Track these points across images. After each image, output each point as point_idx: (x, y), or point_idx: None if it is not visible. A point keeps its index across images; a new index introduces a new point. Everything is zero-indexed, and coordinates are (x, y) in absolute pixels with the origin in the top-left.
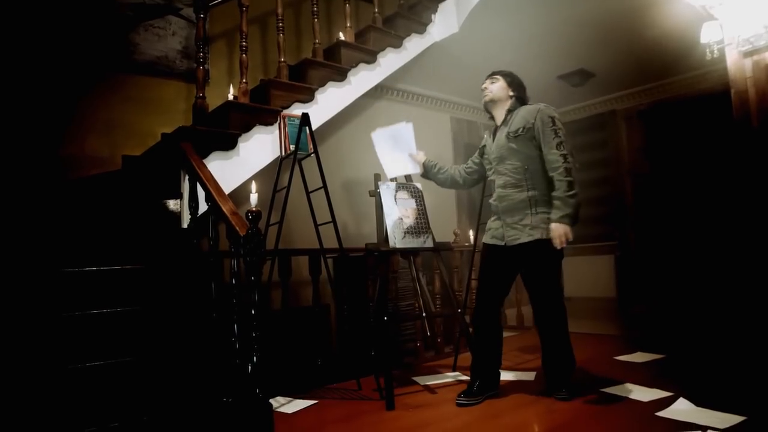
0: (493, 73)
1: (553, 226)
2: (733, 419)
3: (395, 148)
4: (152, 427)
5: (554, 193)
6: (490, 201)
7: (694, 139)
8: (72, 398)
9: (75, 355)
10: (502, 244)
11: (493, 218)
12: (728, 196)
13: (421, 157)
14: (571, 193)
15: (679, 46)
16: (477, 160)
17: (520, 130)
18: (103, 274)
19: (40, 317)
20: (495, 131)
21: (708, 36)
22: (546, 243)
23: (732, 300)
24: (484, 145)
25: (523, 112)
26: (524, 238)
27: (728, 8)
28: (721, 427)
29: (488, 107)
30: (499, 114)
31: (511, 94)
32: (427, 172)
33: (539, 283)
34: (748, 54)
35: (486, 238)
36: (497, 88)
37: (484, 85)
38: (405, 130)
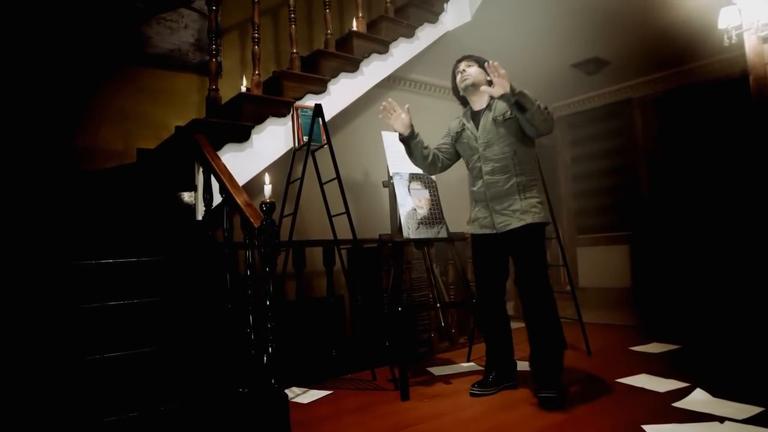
0: (467, 57)
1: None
2: (752, 410)
3: (400, 149)
4: (169, 416)
5: None
6: (473, 189)
7: (710, 127)
8: (91, 388)
9: (94, 346)
10: (493, 232)
11: (477, 207)
12: (746, 184)
13: (407, 119)
14: (538, 104)
15: (695, 32)
16: (448, 146)
17: (507, 113)
18: (120, 266)
19: (59, 309)
20: (474, 117)
21: (726, 21)
22: (536, 227)
23: (749, 289)
24: (461, 131)
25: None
26: (515, 224)
27: None
28: (739, 417)
29: (467, 92)
30: (479, 101)
31: (489, 78)
32: (410, 139)
33: (529, 268)
34: (767, 39)
35: (474, 229)
36: (475, 72)
37: (461, 68)
38: None
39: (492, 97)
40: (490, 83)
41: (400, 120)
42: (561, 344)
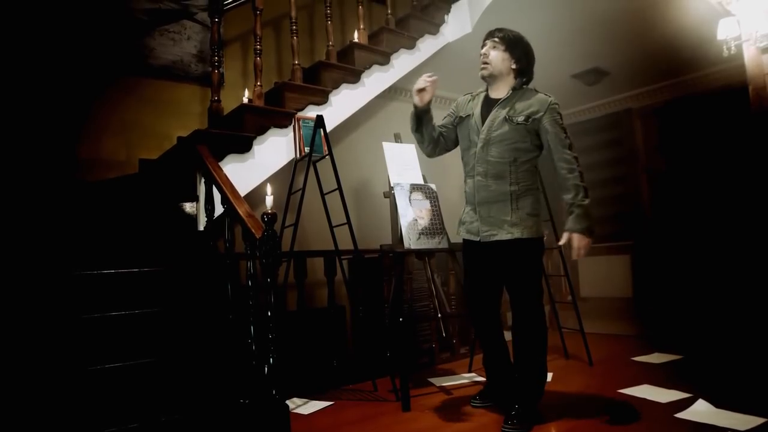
0: (496, 33)
1: (576, 237)
2: (754, 421)
3: (401, 159)
4: (170, 427)
5: (572, 199)
6: (465, 188)
7: (710, 136)
8: (92, 399)
9: (95, 356)
10: (477, 239)
11: (467, 208)
12: (746, 193)
13: (430, 94)
14: (588, 201)
15: (694, 43)
16: (449, 129)
17: (522, 118)
18: (121, 277)
19: (60, 319)
20: (486, 103)
21: (725, 32)
22: (527, 242)
23: (751, 299)
24: (467, 116)
25: (531, 98)
26: (502, 236)
27: (745, 4)
28: (742, 429)
29: (485, 80)
30: (499, 89)
31: (514, 66)
32: (423, 114)
33: (519, 287)
34: (765, 50)
35: (462, 233)
36: (497, 58)
37: (483, 50)
38: (408, 149)
39: (513, 89)
40: (513, 71)
41: (428, 96)
42: (541, 383)
